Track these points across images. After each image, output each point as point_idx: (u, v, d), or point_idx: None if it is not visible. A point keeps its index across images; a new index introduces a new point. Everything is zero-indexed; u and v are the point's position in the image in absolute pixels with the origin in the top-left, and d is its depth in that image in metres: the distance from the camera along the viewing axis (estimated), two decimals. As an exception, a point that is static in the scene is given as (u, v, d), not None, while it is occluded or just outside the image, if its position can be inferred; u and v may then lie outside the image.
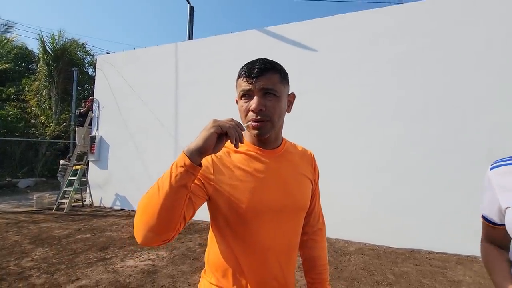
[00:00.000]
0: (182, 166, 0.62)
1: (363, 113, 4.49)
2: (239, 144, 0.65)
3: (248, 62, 0.80)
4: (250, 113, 0.77)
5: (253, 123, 0.76)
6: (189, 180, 0.64)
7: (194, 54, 6.04)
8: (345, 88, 4.65)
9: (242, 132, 0.66)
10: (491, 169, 0.80)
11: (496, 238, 0.85)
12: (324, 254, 1.01)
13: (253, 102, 0.76)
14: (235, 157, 0.81)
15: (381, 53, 4.47)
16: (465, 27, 4.03)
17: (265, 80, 0.76)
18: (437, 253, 3.85)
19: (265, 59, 0.81)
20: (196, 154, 0.63)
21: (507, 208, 0.74)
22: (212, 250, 0.84)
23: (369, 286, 2.86)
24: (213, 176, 0.76)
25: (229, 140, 0.65)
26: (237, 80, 0.82)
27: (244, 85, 0.78)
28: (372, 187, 4.33)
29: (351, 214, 4.36)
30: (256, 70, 0.76)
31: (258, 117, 0.76)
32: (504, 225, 0.79)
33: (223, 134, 0.64)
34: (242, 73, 0.79)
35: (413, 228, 4.04)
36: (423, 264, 3.49)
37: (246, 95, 0.78)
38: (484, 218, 0.86)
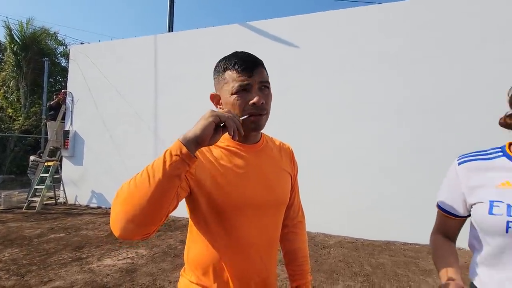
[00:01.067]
0: (178, 155, 0.58)
1: (344, 110, 4.58)
2: (233, 137, 0.63)
3: (234, 56, 0.78)
4: (248, 107, 0.75)
5: (253, 117, 0.75)
6: (183, 171, 0.60)
7: (174, 47, 5.88)
8: (327, 85, 4.71)
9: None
10: (459, 163, 0.82)
11: (451, 228, 0.87)
12: (305, 246, 1.01)
13: (256, 96, 0.75)
14: (216, 152, 0.79)
15: (363, 50, 4.56)
16: (445, 28, 4.19)
17: (260, 73, 0.77)
18: (410, 244, 4.04)
19: (246, 52, 0.80)
20: (193, 144, 0.59)
21: (476, 203, 0.76)
22: (192, 248, 0.82)
23: (348, 278, 2.95)
24: (194, 171, 0.74)
25: (227, 132, 0.62)
26: (223, 73, 0.78)
27: (241, 79, 0.75)
28: (352, 183, 4.45)
29: (331, 208, 4.46)
30: (251, 62, 0.76)
31: (259, 111, 0.76)
32: (463, 216, 0.83)
33: (219, 126, 0.62)
34: (236, 66, 0.76)
35: (389, 221, 4.20)
36: (397, 255, 3.64)
37: (242, 89, 0.75)
38: (441, 208, 0.87)
